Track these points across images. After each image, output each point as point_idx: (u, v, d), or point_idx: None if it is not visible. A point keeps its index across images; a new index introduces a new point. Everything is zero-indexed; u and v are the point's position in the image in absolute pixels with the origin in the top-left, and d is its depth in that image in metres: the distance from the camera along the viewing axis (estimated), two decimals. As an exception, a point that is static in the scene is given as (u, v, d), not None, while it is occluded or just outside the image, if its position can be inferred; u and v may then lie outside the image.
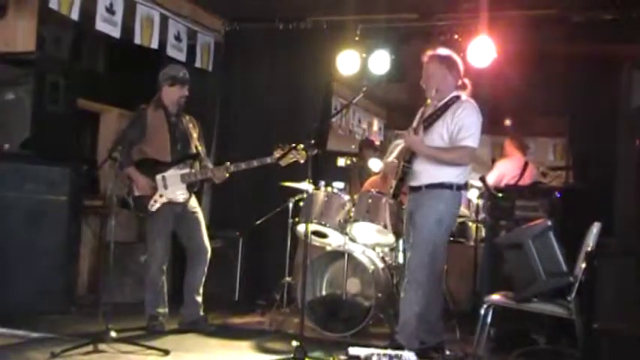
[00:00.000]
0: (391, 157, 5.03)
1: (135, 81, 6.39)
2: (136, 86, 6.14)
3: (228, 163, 5.26)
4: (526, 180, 6.63)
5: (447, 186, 4.57)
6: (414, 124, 4.68)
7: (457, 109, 4.59)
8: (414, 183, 4.68)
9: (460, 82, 4.74)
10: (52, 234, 5.24)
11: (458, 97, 4.66)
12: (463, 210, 5.45)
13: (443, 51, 4.77)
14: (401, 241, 5.41)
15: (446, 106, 4.64)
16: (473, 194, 6.11)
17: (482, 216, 5.94)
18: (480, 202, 5.99)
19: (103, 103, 6.91)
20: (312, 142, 4.65)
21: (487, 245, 5.61)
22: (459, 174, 4.59)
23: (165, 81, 5.28)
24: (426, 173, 4.61)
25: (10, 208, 5.12)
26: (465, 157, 4.58)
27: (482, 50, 6.01)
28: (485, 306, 4.33)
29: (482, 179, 5.62)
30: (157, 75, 5.35)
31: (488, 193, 5.53)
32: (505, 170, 6.81)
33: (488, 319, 4.31)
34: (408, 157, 4.64)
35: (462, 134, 4.51)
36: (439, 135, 4.60)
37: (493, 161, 7.50)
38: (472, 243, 6.36)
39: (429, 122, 4.63)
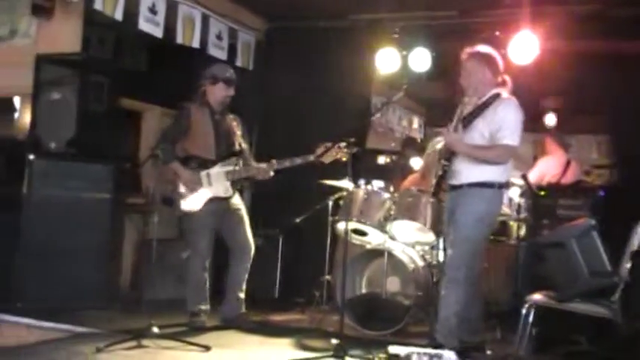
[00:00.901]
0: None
1: (176, 80, 6.41)
2: (178, 85, 6.18)
3: (274, 160, 5.25)
4: (568, 178, 6.52)
5: (488, 185, 4.49)
6: (453, 122, 4.61)
7: (497, 106, 4.52)
8: (454, 181, 4.62)
9: (500, 79, 4.67)
10: (96, 231, 5.34)
11: (498, 95, 4.59)
12: (504, 209, 5.36)
13: (482, 48, 4.69)
14: (441, 240, 5.33)
15: (486, 104, 4.57)
16: (514, 193, 5.84)
17: (523, 215, 5.81)
18: (522, 200, 5.83)
19: (145, 101, 6.97)
20: (353, 139, 4.64)
21: (528, 244, 5.53)
22: (500, 172, 4.52)
23: (208, 79, 5.30)
24: (467, 172, 4.55)
25: (55, 205, 5.21)
26: (505, 156, 4.51)
27: (523, 47, 5.89)
28: (526, 305, 4.26)
29: (524, 177, 5.54)
30: (199, 74, 5.38)
31: (530, 191, 5.46)
32: (547, 168, 6.69)
33: (530, 319, 4.24)
34: (448, 155, 4.59)
35: (502, 132, 4.44)
36: (479, 133, 4.54)
37: (535, 159, 7.39)
38: (513, 242, 6.28)
39: (468, 120, 4.57)
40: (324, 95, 6.95)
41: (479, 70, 4.61)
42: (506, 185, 4.68)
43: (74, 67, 5.33)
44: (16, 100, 6.30)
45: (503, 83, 4.68)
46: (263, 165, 5.30)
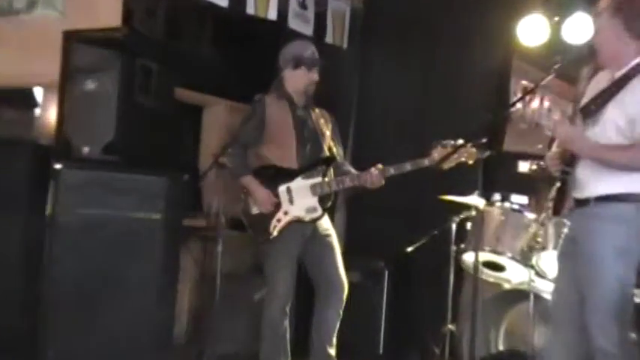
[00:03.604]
0: None
1: (248, 64, 6.50)
2: (250, 71, 6.25)
3: (380, 165, 5.23)
4: None
5: (627, 199, 4.04)
6: (574, 108, 4.31)
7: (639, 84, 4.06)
8: (578, 194, 4.21)
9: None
10: (143, 262, 5.31)
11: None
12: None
13: None
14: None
15: (623, 81, 4.10)
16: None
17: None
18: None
19: (207, 93, 7.04)
20: (485, 139, 4.70)
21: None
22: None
23: (287, 63, 5.35)
24: (596, 181, 4.09)
25: (91, 229, 5.20)
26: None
27: None
28: None
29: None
30: (277, 55, 5.40)
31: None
32: None
33: None
34: (569, 158, 4.22)
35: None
36: (613, 124, 4.03)
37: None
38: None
39: (596, 105, 4.12)
40: (443, 80, 6.93)
41: (612, 30, 4.15)
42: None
43: (113, 48, 5.34)
44: (38, 92, 6.38)
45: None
46: (374, 170, 5.22)
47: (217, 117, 7.17)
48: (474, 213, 5.54)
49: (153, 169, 5.40)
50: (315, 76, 5.34)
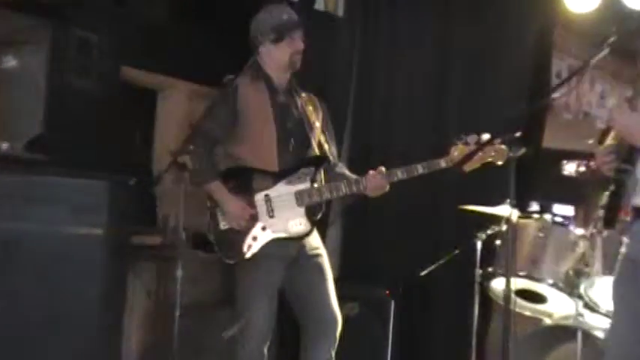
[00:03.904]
0: None
1: (215, 37, 6.50)
2: (218, 45, 6.33)
3: (384, 167, 5.18)
4: None
5: None
6: (634, 90, 4.31)
7: None
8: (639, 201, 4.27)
9: None
10: (80, 290, 5.20)
11: None
12: None
13: None
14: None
15: None
16: None
17: None
18: None
19: (163, 73, 7.02)
20: (518, 133, 4.60)
21: None
22: None
23: (264, 36, 5.27)
24: None
25: (12, 248, 5.11)
26: None
27: None
28: None
29: None
30: (250, 27, 5.38)
31: None
32: None
33: None
34: (627, 153, 4.23)
35: None
36: None
37: None
38: None
39: None
40: (466, 57, 7.02)
41: None
42: None
43: (42, 14, 5.32)
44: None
45: None
46: (377, 174, 5.16)
47: (176, 104, 7.14)
48: (504, 227, 5.58)
49: (91, 171, 5.30)
50: (300, 43, 5.27)
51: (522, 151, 4.61)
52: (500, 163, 4.96)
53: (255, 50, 5.32)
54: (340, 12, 7.10)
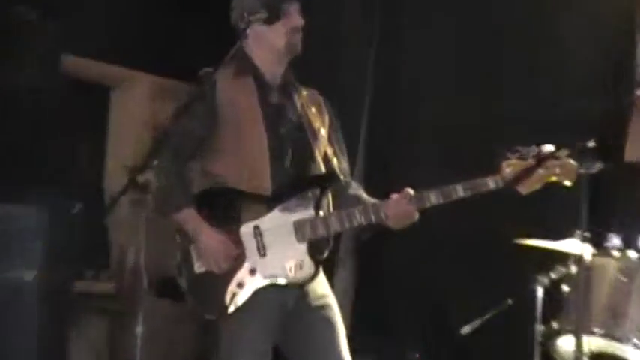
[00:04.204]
0: None
1: (185, 21, 6.89)
2: (189, 31, 6.33)
3: (411, 190, 4.95)
4: None
5: None
6: None
7: None
8: None
9: None
10: (7, 353, 5.21)
11: None
12: None
13: None
14: None
15: None
16: None
17: None
18: None
19: (118, 64, 7.03)
20: (593, 144, 4.69)
21: None
22: None
23: (253, 13, 5.11)
24: None
25: None
26: None
27: None
28: None
29: None
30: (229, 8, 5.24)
31: None
32: None
33: None
34: None
35: None
36: None
37: None
38: None
39: None
40: (518, 46, 7.25)
41: None
42: None
43: None
44: None
45: None
46: (401, 199, 4.97)
47: (135, 103, 7.28)
48: (574, 269, 5.69)
49: (22, 195, 5.26)
50: (298, 18, 5.16)
51: (598, 166, 4.76)
52: (568, 183, 4.81)
53: (240, 35, 5.16)
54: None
